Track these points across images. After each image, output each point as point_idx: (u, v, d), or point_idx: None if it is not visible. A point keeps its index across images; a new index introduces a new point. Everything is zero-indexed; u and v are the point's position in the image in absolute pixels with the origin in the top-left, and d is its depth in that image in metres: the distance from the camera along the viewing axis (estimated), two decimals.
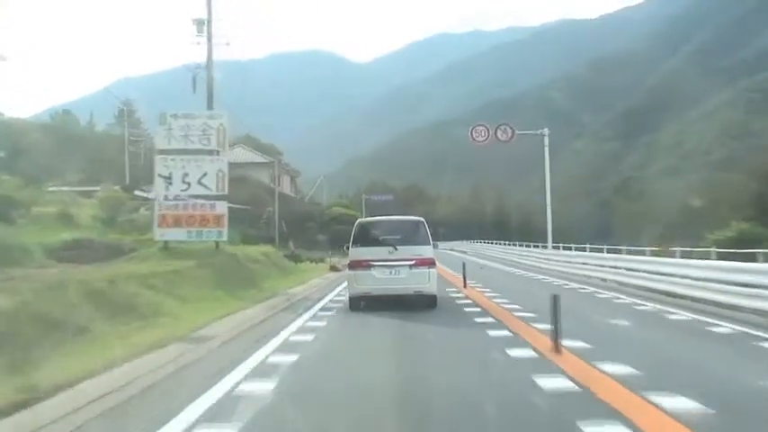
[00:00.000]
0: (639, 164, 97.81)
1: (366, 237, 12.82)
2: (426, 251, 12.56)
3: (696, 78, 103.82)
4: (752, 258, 13.19)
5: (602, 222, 78.52)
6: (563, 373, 6.29)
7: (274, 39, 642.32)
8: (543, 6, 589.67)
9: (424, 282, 12.23)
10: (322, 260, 33.51)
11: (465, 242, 67.17)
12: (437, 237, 68.15)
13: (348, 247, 12.81)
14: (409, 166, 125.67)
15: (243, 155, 51.04)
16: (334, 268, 28.99)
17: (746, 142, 79.27)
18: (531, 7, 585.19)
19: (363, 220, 14.03)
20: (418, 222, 13.15)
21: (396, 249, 12.31)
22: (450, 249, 64.47)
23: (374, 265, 12.24)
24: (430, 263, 12.41)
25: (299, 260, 31.47)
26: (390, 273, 12.20)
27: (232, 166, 49.13)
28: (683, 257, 16.18)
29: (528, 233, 56.26)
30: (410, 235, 12.77)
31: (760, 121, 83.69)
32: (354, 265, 12.50)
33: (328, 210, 61.85)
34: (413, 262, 12.23)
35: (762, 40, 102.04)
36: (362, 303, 12.39)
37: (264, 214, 43.11)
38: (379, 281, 12.18)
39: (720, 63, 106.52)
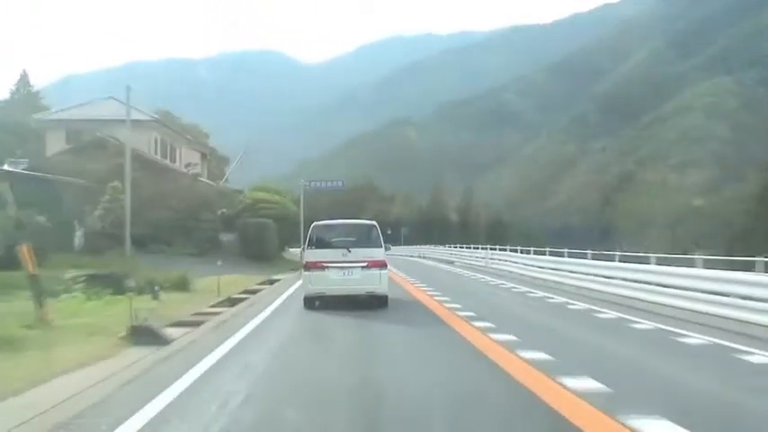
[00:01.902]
0: (596, 168, 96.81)
1: (321, 239, 13.37)
2: (378, 253, 13.12)
3: (649, 84, 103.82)
4: None
5: (556, 225, 76.59)
6: None
7: (222, 38, 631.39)
8: (494, 12, 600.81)
9: (375, 283, 12.80)
10: (185, 285, 16.66)
11: (438, 247, 47.81)
12: (398, 239, 63.03)
13: (304, 249, 13.76)
14: (362, 167, 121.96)
15: (115, 109, 30.23)
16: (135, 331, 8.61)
17: (706, 146, 78.86)
18: (483, 12, 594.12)
19: (319, 222, 14.10)
20: (371, 226, 13.88)
21: (349, 251, 12.88)
22: (420, 257, 46.36)
23: (328, 267, 12.77)
24: (381, 264, 12.99)
25: (134, 290, 12.53)
26: (344, 274, 12.73)
27: (90, 123, 32.32)
28: None
29: (497, 236, 53.12)
30: (363, 238, 13.44)
31: (716, 125, 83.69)
32: (310, 266, 13.03)
33: (244, 196, 41.67)
34: (365, 264, 12.81)
35: (716, 46, 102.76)
36: (317, 303, 12.85)
37: (105, 195, 26.49)
38: (333, 281, 12.72)
39: (674, 68, 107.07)
